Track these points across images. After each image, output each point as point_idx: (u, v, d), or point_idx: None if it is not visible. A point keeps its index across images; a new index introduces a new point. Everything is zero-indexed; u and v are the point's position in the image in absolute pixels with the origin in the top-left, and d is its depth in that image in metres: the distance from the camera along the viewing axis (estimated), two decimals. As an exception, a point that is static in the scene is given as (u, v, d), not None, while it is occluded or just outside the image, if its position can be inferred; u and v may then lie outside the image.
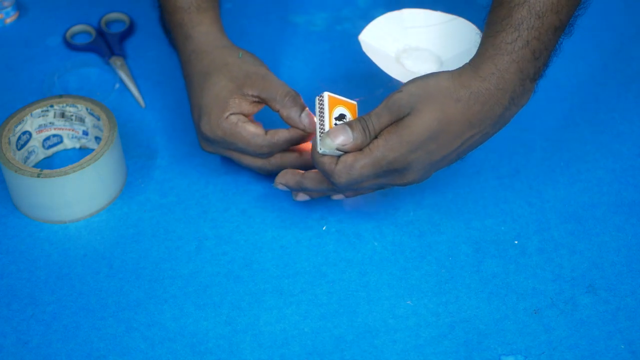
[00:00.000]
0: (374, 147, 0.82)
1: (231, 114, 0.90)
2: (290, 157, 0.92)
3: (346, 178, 0.83)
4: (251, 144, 0.90)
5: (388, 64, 0.94)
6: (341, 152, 0.83)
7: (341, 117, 0.85)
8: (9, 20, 1.15)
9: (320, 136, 0.83)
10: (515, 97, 0.83)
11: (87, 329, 0.85)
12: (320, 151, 0.83)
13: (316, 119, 0.84)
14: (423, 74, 0.93)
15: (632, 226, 0.92)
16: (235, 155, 0.93)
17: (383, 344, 0.84)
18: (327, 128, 0.83)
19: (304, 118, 0.90)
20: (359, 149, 0.82)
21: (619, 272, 0.89)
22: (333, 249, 0.91)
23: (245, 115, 0.91)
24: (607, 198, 0.95)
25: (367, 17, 1.04)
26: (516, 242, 0.91)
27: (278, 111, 0.91)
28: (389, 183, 0.85)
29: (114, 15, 1.15)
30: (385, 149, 0.81)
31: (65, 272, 0.89)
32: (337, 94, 0.86)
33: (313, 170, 0.87)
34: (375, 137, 0.83)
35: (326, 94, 0.84)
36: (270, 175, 0.94)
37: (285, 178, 0.88)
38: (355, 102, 0.87)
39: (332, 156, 0.83)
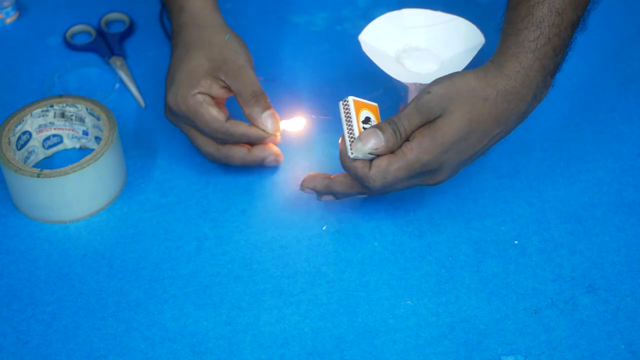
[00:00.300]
0: (408, 150, 0.83)
1: (199, 93, 0.91)
2: (239, 151, 0.93)
3: (381, 182, 0.83)
4: (209, 126, 0.90)
5: (388, 64, 0.94)
6: (372, 156, 0.83)
7: (367, 120, 0.85)
8: (9, 20, 1.15)
9: (350, 141, 0.84)
10: (538, 93, 0.85)
11: (87, 329, 0.85)
12: (351, 156, 0.84)
13: (344, 125, 0.84)
14: (423, 74, 0.93)
15: (632, 226, 0.92)
16: (192, 132, 0.93)
17: (383, 344, 0.84)
18: (356, 132, 0.84)
19: (266, 118, 0.91)
20: (391, 151, 0.83)
21: (619, 272, 0.89)
22: (333, 249, 0.91)
23: (213, 98, 0.92)
24: (607, 198, 0.95)
25: (367, 17, 1.04)
26: (516, 242, 0.91)
27: (241, 107, 0.92)
28: (419, 184, 0.86)
29: (114, 15, 1.15)
30: (419, 152, 0.82)
31: (65, 272, 0.89)
32: (360, 97, 0.86)
33: (341, 174, 0.88)
34: (407, 140, 0.83)
35: (351, 98, 0.84)
36: (213, 162, 0.94)
37: (313, 182, 0.89)
38: (376, 104, 0.87)
39: (364, 161, 0.84)
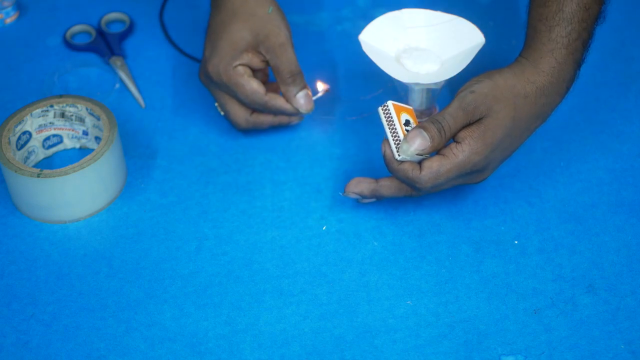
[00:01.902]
0: (458, 152, 0.84)
1: (240, 65, 0.94)
2: (267, 117, 0.97)
3: (432, 183, 0.85)
4: (249, 98, 0.95)
5: (388, 64, 0.93)
6: (419, 157, 0.84)
7: (407, 123, 0.86)
8: (9, 20, 1.15)
9: (396, 144, 0.84)
10: (570, 85, 0.90)
11: (87, 329, 0.85)
12: (399, 159, 0.84)
13: (386, 130, 0.85)
14: (423, 74, 0.93)
15: (632, 226, 0.92)
16: (226, 99, 0.97)
17: (383, 344, 0.84)
18: (401, 135, 0.84)
19: (300, 98, 0.96)
20: (436, 150, 0.85)
21: (619, 272, 0.88)
22: (333, 249, 0.91)
23: (253, 69, 0.96)
24: (607, 198, 0.95)
25: (367, 17, 1.04)
26: (516, 242, 0.91)
27: (279, 83, 0.96)
28: (466, 182, 0.88)
29: (114, 15, 1.15)
30: (470, 153, 0.84)
31: (65, 272, 0.89)
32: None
33: (388, 178, 0.88)
34: (453, 140, 0.85)
35: (390, 103, 0.85)
36: (238, 130, 0.99)
37: (360, 187, 0.89)
38: (411, 107, 0.88)
39: (412, 163, 0.85)
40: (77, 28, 1.14)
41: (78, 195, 0.92)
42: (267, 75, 1.00)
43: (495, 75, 0.86)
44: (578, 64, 0.89)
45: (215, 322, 0.85)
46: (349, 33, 1.13)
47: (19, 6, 1.17)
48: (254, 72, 0.97)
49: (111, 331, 0.85)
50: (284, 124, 0.99)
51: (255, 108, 0.96)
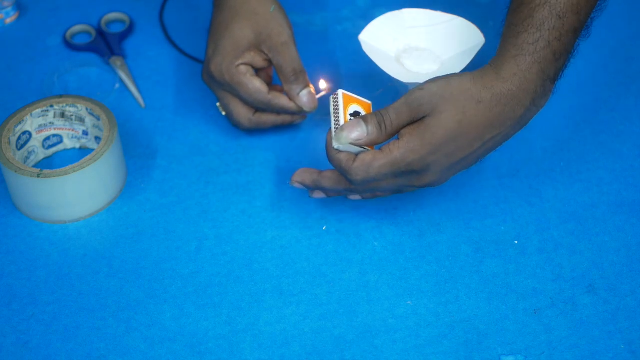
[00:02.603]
0: (394, 148, 0.81)
1: (243, 64, 0.94)
2: (270, 117, 0.98)
3: (363, 176, 0.82)
4: (252, 96, 0.95)
5: (388, 64, 0.94)
6: (358, 149, 0.83)
7: (355, 114, 0.84)
8: (9, 20, 1.15)
9: (335, 131, 0.83)
10: (536, 98, 0.83)
11: (87, 329, 0.85)
12: (335, 147, 0.83)
13: (332, 117, 0.84)
14: (423, 74, 0.93)
15: (632, 226, 0.92)
16: (229, 99, 0.97)
17: (383, 344, 0.84)
18: (342, 123, 0.83)
19: (303, 96, 0.96)
20: (374, 143, 0.83)
21: (619, 272, 0.89)
22: (333, 249, 0.91)
23: (255, 68, 0.96)
24: (607, 198, 0.95)
25: (367, 17, 1.04)
26: (516, 242, 0.91)
27: (281, 82, 0.96)
28: (406, 184, 0.85)
29: (114, 15, 1.15)
30: (405, 150, 0.81)
31: (65, 272, 0.89)
32: (361, 97, 0.86)
33: (331, 170, 0.87)
34: (394, 135, 0.83)
35: (340, 92, 0.84)
36: (241, 130, 0.99)
37: (302, 176, 0.89)
38: (369, 102, 0.87)
39: (349, 153, 0.83)
40: (77, 28, 1.14)
41: (78, 195, 0.92)
42: (271, 77, 1.00)
43: (452, 77, 0.82)
44: (548, 75, 0.82)
45: (215, 322, 0.85)
46: (349, 33, 1.13)
47: (19, 6, 1.17)
48: (257, 72, 0.97)
49: (111, 331, 0.85)
50: (287, 123, 0.99)
51: (258, 107, 0.96)
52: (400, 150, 0.81)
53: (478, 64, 0.96)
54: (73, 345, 0.84)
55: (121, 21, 1.15)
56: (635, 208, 0.94)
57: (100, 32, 1.13)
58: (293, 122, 0.99)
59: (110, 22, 1.15)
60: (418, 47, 0.96)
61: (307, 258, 0.90)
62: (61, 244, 0.92)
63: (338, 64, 1.09)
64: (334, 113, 0.84)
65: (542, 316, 0.85)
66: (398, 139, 0.82)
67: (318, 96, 0.99)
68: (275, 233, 0.92)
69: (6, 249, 0.91)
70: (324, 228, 0.93)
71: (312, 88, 0.97)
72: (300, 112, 0.97)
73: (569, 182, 0.97)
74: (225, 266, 0.90)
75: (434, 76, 0.92)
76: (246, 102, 0.96)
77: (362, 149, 0.83)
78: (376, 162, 0.82)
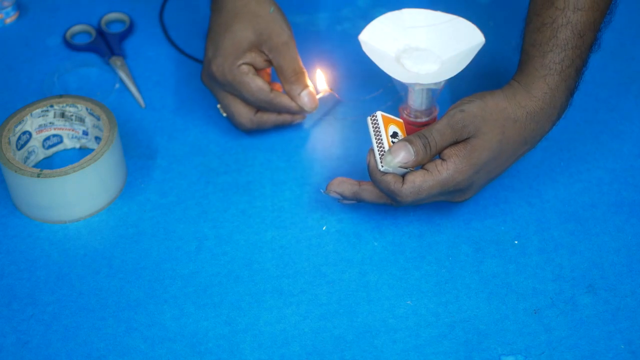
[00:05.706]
0: (442, 169, 0.84)
1: (244, 64, 0.95)
2: (271, 116, 0.98)
3: (413, 198, 0.85)
4: (254, 96, 0.95)
5: (388, 64, 0.93)
6: (403, 170, 0.84)
7: (394, 135, 0.86)
8: (9, 20, 1.15)
9: (380, 155, 0.84)
10: (562, 112, 0.89)
11: (87, 329, 0.85)
12: (381, 169, 0.84)
13: (373, 140, 0.85)
14: (423, 74, 0.93)
15: (632, 226, 0.92)
16: (230, 99, 0.97)
17: (383, 344, 0.84)
18: (386, 146, 0.84)
19: (304, 96, 0.97)
20: (420, 164, 0.85)
21: (619, 272, 0.89)
22: (333, 249, 0.91)
23: (256, 68, 0.96)
24: (607, 198, 0.95)
25: (367, 17, 1.04)
26: (516, 242, 0.91)
27: (281, 82, 0.97)
28: (446, 200, 0.88)
29: (114, 15, 1.15)
30: (454, 172, 0.84)
31: (65, 272, 0.89)
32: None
33: (370, 183, 0.88)
34: (438, 156, 0.85)
35: (379, 113, 0.86)
36: (242, 131, 0.99)
37: (342, 187, 0.89)
38: (402, 121, 0.89)
39: (395, 175, 0.85)
40: (77, 28, 1.14)
41: (78, 195, 0.92)
42: (270, 78, 1.00)
43: (486, 96, 0.86)
44: (570, 91, 0.88)
45: (215, 322, 0.85)
46: (349, 33, 1.13)
47: (19, 6, 1.17)
48: (257, 72, 0.97)
49: (111, 331, 0.85)
50: (287, 122, 0.99)
51: (260, 106, 0.97)
52: (449, 172, 0.84)
53: (478, 64, 0.96)
54: (73, 345, 0.84)
55: (121, 21, 1.15)
56: (635, 208, 0.94)
57: (100, 32, 1.13)
58: (293, 122, 1.00)
59: (110, 22, 1.15)
60: (418, 47, 0.96)
61: (307, 258, 0.90)
62: (61, 244, 0.92)
63: (338, 64, 1.09)
64: (375, 135, 0.85)
65: (542, 316, 0.85)
66: (444, 159, 0.85)
67: (318, 96, 0.99)
68: (275, 233, 0.92)
69: (6, 249, 0.91)
70: (324, 228, 0.93)
71: (312, 88, 0.98)
72: (300, 112, 0.98)
73: (569, 182, 0.97)
74: (225, 266, 0.90)
75: (434, 76, 0.92)
76: (248, 102, 0.97)
77: (406, 170, 0.84)
78: (426, 184, 0.84)
